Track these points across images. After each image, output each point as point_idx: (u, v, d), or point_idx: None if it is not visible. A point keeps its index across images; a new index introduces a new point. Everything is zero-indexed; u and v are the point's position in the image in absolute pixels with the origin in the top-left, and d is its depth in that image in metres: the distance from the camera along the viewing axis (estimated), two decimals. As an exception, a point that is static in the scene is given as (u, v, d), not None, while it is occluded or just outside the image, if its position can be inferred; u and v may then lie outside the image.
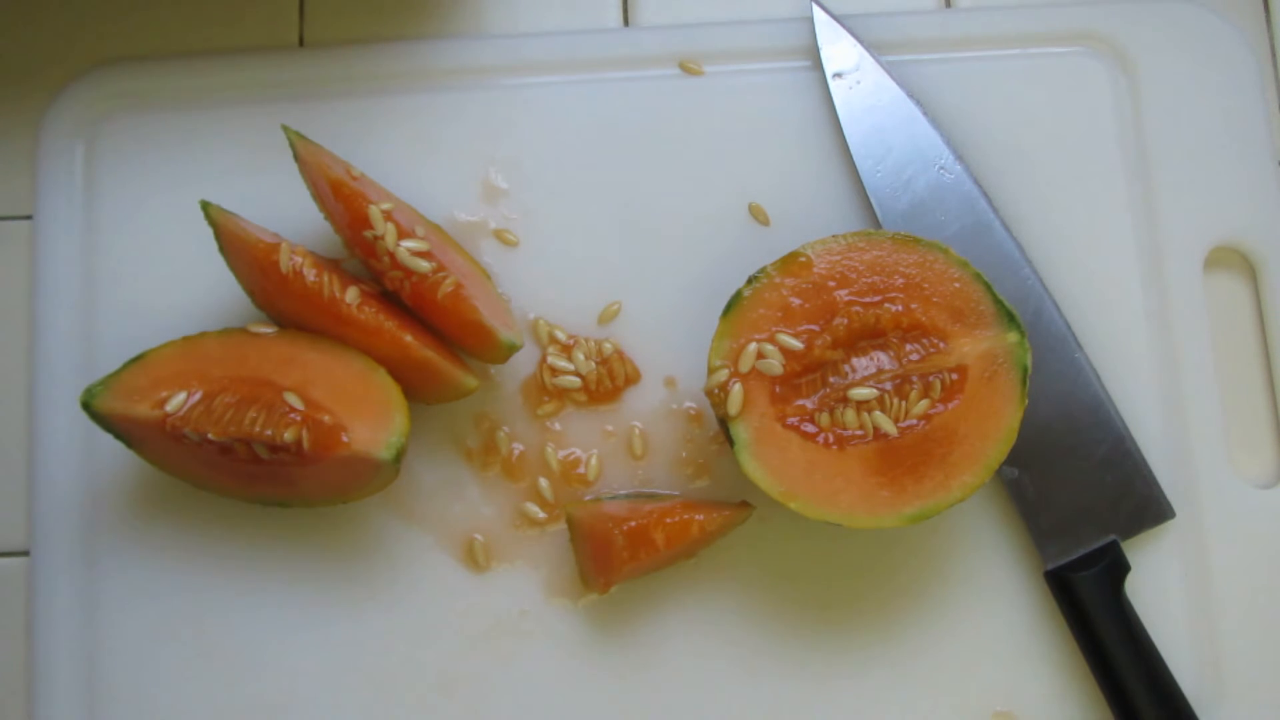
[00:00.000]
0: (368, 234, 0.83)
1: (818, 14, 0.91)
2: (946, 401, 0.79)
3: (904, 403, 0.80)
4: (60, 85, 0.93)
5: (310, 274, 0.83)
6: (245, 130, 0.91)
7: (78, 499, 0.88)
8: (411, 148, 0.91)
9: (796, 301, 0.81)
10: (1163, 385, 0.88)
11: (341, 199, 0.84)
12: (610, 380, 0.88)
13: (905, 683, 0.85)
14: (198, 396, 0.82)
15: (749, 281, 0.81)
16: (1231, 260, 0.91)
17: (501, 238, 0.90)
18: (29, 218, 0.92)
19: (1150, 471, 0.86)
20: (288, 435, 0.80)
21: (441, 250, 0.85)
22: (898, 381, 0.80)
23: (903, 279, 0.81)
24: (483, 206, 0.91)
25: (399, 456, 0.80)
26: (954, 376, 0.80)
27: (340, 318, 0.83)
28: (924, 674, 0.85)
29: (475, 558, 0.87)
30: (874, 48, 0.91)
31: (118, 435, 0.83)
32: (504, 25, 0.94)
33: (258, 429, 0.81)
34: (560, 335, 0.89)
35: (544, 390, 0.88)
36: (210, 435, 0.81)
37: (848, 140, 0.90)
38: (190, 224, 0.88)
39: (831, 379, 0.81)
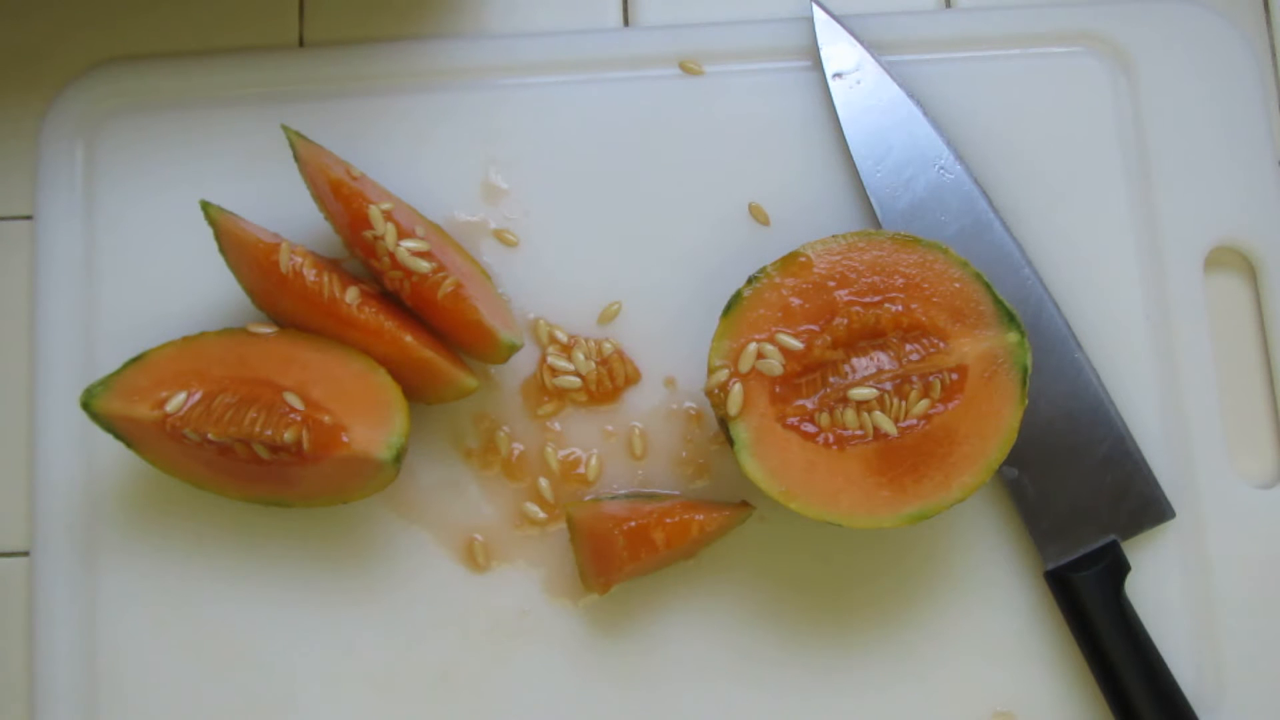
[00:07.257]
0: (368, 234, 0.83)
1: (818, 14, 0.91)
2: (946, 401, 0.79)
3: (904, 403, 0.80)
4: (60, 85, 0.93)
5: (310, 274, 0.83)
6: (245, 130, 0.91)
7: (78, 499, 0.88)
8: (411, 147, 0.91)
9: (796, 301, 0.81)
10: (1163, 385, 0.88)
11: (341, 199, 0.84)
12: (610, 380, 0.88)
13: (905, 682, 0.85)
14: (198, 396, 0.82)
15: (749, 281, 0.81)
16: (1231, 260, 0.91)
17: (501, 238, 0.90)
18: (29, 218, 0.92)
19: (1150, 471, 0.86)
20: (288, 435, 0.80)
21: (441, 250, 0.85)
22: (898, 381, 0.80)
23: (903, 279, 0.81)
24: (483, 206, 0.91)
25: (399, 456, 0.80)
26: (954, 376, 0.80)
27: (340, 318, 0.83)
28: (924, 674, 0.85)
29: (475, 558, 0.87)
30: (874, 48, 0.91)
31: (118, 435, 0.83)
32: (504, 25, 0.94)
33: (258, 429, 0.81)
34: (560, 335, 0.89)
35: (544, 390, 0.88)
36: (210, 435, 0.81)
37: (848, 140, 0.90)
38: (190, 224, 0.88)
39: (831, 379, 0.81)
